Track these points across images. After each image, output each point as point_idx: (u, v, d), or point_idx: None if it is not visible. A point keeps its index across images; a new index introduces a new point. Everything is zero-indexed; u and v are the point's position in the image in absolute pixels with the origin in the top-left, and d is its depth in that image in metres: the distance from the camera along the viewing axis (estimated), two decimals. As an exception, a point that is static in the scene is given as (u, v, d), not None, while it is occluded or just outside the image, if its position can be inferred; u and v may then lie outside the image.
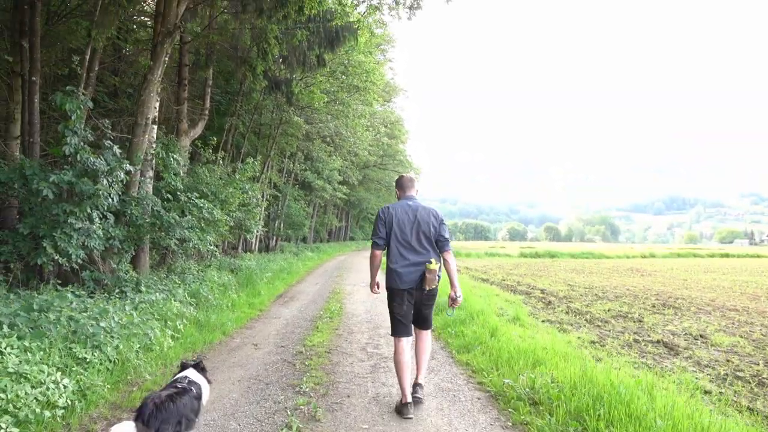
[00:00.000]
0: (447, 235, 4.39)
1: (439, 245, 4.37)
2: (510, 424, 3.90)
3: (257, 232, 18.31)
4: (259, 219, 17.91)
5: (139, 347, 5.25)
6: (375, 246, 4.40)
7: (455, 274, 4.46)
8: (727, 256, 41.98)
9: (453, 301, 4.42)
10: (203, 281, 9.95)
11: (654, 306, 10.99)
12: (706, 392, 4.83)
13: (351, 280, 15.55)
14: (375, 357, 6.01)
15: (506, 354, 5.41)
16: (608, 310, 10.18)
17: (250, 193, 15.13)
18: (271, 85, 17.19)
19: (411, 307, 4.36)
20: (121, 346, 4.92)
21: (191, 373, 3.47)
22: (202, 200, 10.06)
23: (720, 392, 4.86)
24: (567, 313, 9.74)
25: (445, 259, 4.40)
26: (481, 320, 7.31)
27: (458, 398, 4.52)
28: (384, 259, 4.53)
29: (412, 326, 4.44)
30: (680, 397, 4.02)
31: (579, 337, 7.24)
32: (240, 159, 17.99)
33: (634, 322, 8.92)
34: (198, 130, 14.54)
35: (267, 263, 16.85)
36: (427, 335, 4.54)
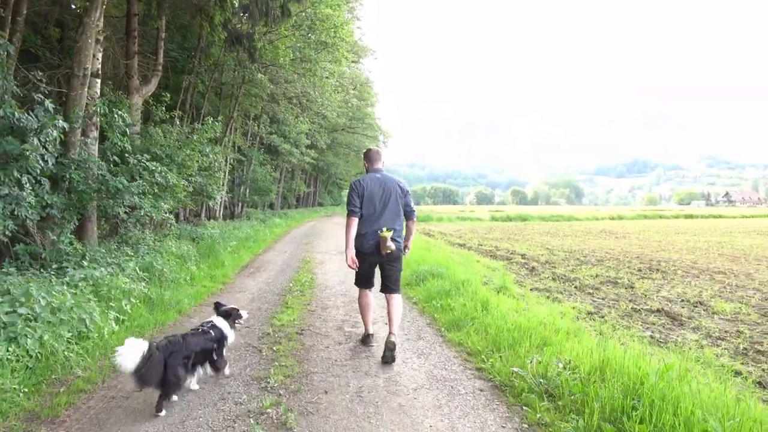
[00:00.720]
0: (413, 206, 4.90)
1: (406, 214, 4.88)
2: (526, 426, 3.23)
3: (221, 198, 17.23)
4: (222, 184, 16.82)
5: (71, 336, 4.37)
6: (351, 214, 4.71)
7: (411, 240, 5.03)
8: (691, 217, 42.81)
9: (406, 246, 5.00)
10: (159, 253, 9.00)
11: (640, 270, 10.61)
12: (736, 374, 4.29)
13: (322, 248, 14.76)
14: (354, 338, 5.29)
15: (505, 332, 4.76)
16: (595, 276, 9.73)
17: (211, 156, 14.03)
18: (231, 39, 15.87)
19: (372, 267, 4.90)
20: (47, 336, 4.04)
21: (216, 320, 4.08)
22: (155, 163, 9.00)
23: (749, 372, 4.33)
24: (554, 279, 9.24)
25: (407, 227, 4.94)
26: (468, 292, 6.66)
27: (457, 390, 3.83)
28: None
29: (373, 281, 4.97)
30: (722, 386, 3.39)
31: (574, 307, 6.70)
32: (200, 120, 16.68)
33: (626, 288, 8.47)
34: (151, 87, 13.32)
35: (232, 231, 15.88)
36: (396, 298, 4.85)
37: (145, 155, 8.92)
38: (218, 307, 4.24)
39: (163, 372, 3.30)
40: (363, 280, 4.95)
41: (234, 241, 13.74)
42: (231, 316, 4.19)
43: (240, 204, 26.44)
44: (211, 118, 13.95)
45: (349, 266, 4.73)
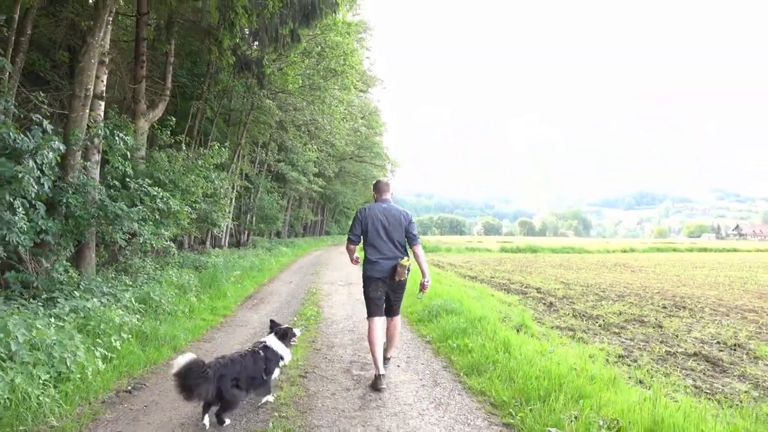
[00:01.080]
0: (415, 232, 5.18)
1: (409, 241, 5.16)
2: None
3: (226, 225, 16.87)
4: (228, 212, 16.46)
5: (49, 377, 3.90)
6: (350, 241, 5.21)
7: (425, 264, 5.30)
8: (705, 250, 42.04)
9: (422, 286, 5.22)
10: (158, 282, 8.58)
11: (665, 307, 10.04)
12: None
13: (328, 278, 14.29)
14: (362, 383, 4.79)
15: (533, 380, 4.24)
16: (619, 313, 9.17)
17: (216, 182, 13.73)
18: (240, 64, 15.79)
19: (384, 293, 5.09)
20: (19, 380, 3.58)
21: (270, 340, 4.22)
22: (157, 188, 8.66)
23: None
24: (574, 316, 8.70)
25: (415, 252, 5.21)
26: (486, 330, 6.16)
27: (485, 454, 3.31)
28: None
29: (383, 309, 5.12)
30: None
31: (602, 349, 6.17)
32: (207, 146, 16.47)
33: (653, 327, 7.91)
34: (158, 112, 13.15)
35: (236, 260, 15.46)
36: (396, 320, 5.30)
37: (147, 180, 8.57)
38: (273, 326, 4.49)
39: (218, 390, 3.55)
40: (374, 307, 5.08)
41: (238, 270, 13.31)
42: (287, 336, 4.39)
43: (246, 232, 26.12)
44: (218, 144, 13.72)
45: (352, 261, 5.31)
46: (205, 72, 17.10)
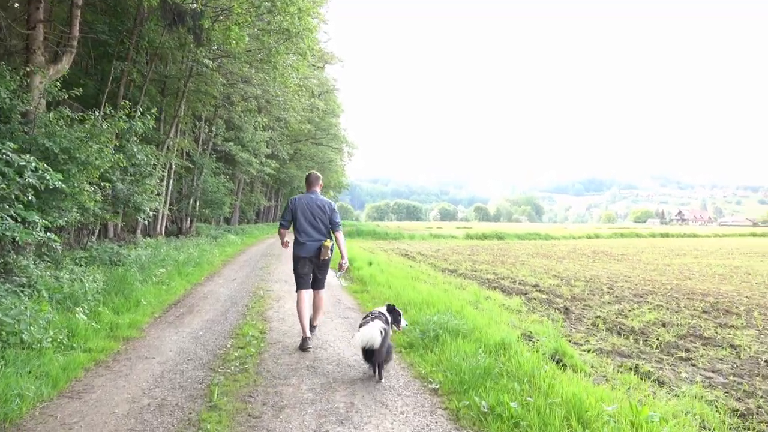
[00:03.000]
0: (337, 220, 5.92)
1: (332, 227, 5.89)
2: None
3: (154, 211, 14.06)
4: (159, 194, 13.66)
5: None
6: (281, 226, 5.94)
7: (344, 247, 6.01)
8: (667, 235, 41.60)
9: (340, 266, 5.96)
10: (34, 290, 5.99)
11: (706, 312, 8.12)
12: None
13: (280, 274, 11.86)
14: None
15: None
16: (662, 325, 7.10)
17: (139, 156, 11.03)
18: (172, 15, 13.00)
19: (310, 269, 5.88)
20: None
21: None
22: (27, 156, 6.00)
23: None
24: (609, 330, 6.63)
25: (336, 237, 5.92)
26: (521, 367, 3.97)
27: None
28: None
29: (310, 284, 5.95)
30: None
31: (697, 396, 4.06)
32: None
33: (726, 348, 5.88)
34: (61, 67, 10.39)
35: (169, 252, 12.78)
36: (321, 293, 6.12)
37: (8, 144, 5.88)
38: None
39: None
40: (302, 282, 5.85)
41: (167, 266, 10.70)
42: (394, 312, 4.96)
43: (189, 218, 23.15)
44: (140, 109, 10.99)
45: (284, 247, 6.00)
46: (132, 28, 14.16)
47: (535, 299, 8.65)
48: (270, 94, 20.08)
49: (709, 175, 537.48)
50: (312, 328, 5.92)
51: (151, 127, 12.06)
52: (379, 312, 4.69)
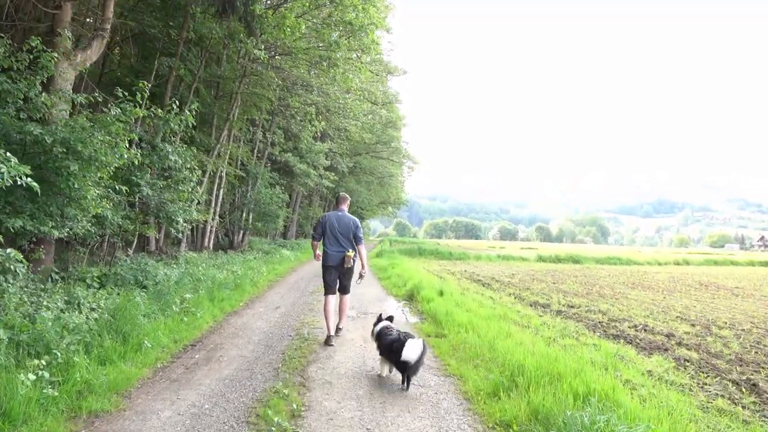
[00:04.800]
0: (360, 235, 6.72)
1: (355, 241, 6.67)
2: None
3: (193, 222, 12.41)
4: (197, 203, 11.99)
5: None
6: (313, 239, 6.74)
7: (365, 258, 6.83)
8: (766, 264, 36.64)
9: (360, 275, 6.77)
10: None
11: None
12: None
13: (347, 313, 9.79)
14: None
15: None
16: None
17: (172, 157, 9.34)
18: (222, 1, 11.44)
19: (336, 276, 6.66)
20: None
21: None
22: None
23: None
24: None
25: (359, 249, 6.67)
26: None
27: None
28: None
29: (337, 290, 6.71)
30: None
31: None
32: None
33: None
34: (91, 53, 9.02)
35: (208, 270, 11.05)
36: (345, 298, 6.83)
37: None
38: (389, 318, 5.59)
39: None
40: (329, 287, 6.65)
41: (200, 288, 8.91)
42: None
43: (241, 232, 21.71)
44: (175, 101, 9.35)
45: (316, 259, 6.78)
46: (182, 22, 12.80)
47: (687, 361, 6.08)
48: (330, 99, 18.33)
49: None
50: (337, 329, 6.74)
51: (191, 125, 10.43)
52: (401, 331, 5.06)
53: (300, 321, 7.82)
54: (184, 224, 10.03)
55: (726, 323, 9.17)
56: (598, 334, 7.53)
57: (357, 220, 6.77)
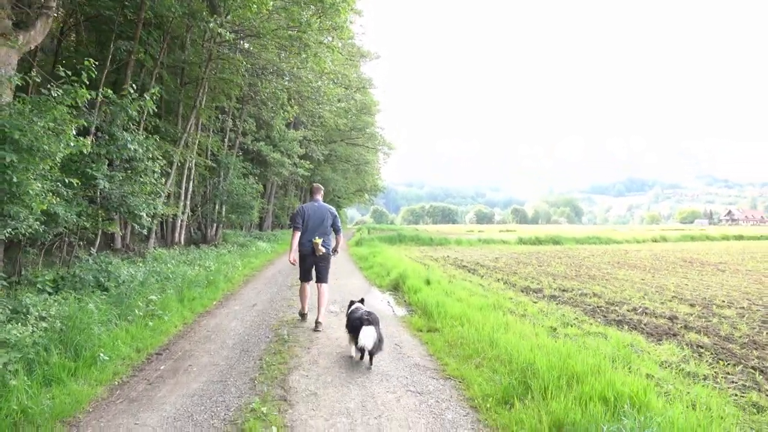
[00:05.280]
0: (338, 225, 7.00)
1: (334, 230, 6.96)
2: None
3: (160, 217, 11.61)
4: (159, 195, 11.19)
5: None
6: (295, 229, 6.76)
7: (342, 243, 7.41)
8: (741, 238, 37.09)
9: (334, 250, 7.03)
10: None
11: None
12: None
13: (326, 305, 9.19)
14: None
15: None
16: None
17: (131, 147, 8.57)
18: (180, -24, 10.60)
19: (311, 265, 6.85)
20: None
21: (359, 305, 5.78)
22: None
23: None
24: None
25: (336, 237, 7.04)
26: None
27: None
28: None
29: (313, 277, 6.90)
30: None
31: None
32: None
33: None
34: (36, 34, 8.24)
35: (179, 266, 10.33)
36: (323, 287, 6.85)
37: None
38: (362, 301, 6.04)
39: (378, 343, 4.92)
40: (304, 275, 6.94)
41: (168, 287, 8.19)
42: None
43: (215, 225, 20.81)
44: (132, 84, 8.55)
45: (290, 263, 6.79)
46: (139, 2, 11.87)
47: (701, 347, 5.64)
48: (302, 83, 17.52)
49: (759, 172, 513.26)
50: (317, 323, 6.62)
51: (152, 112, 9.64)
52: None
53: (278, 319, 7.21)
54: (149, 219, 9.25)
55: (724, 302, 8.85)
56: (599, 320, 7.09)
57: (333, 209, 6.95)
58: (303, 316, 7.07)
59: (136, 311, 6.33)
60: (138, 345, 5.48)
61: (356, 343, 4.90)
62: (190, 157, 15.91)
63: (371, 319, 4.98)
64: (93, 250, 10.48)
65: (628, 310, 7.84)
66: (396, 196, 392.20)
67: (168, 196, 15.48)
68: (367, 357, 4.92)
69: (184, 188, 16.22)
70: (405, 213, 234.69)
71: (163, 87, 14.58)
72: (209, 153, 19.43)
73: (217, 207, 20.16)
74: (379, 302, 8.69)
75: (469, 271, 13.34)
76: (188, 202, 16.73)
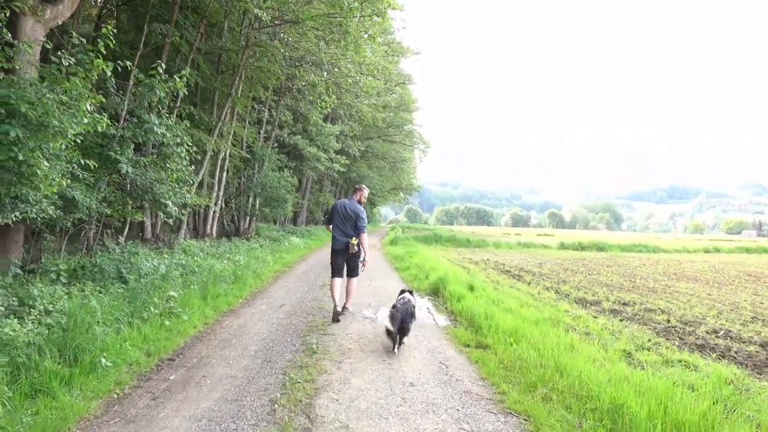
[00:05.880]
0: (361, 225, 6.96)
1: (357, 229, 6.96)
2: None
3: (188, 207, 11.06)
4: (190, 184, 10.65)
5: None
6: (325, 223, 7.38)
7: (366, 247, 7.03)
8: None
9: (363, 261, 7.08)
10: None
11: None
12: None
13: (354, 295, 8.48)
14: None
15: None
16: None
17: (158, 130, 8.02)
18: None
19: (343, 261, 7.04)
20: None
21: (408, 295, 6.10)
22: None
23: None
24: None
25: (360, 237, 6.94)
26: None
27: None
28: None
29: (344, 273, 7.12)
30: None
31: None
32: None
33: None
34: (63, 9, 7.73)
35: (206, 259, 9.79)
36: (352, 281, 7.18)
37: None
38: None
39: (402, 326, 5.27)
40: (335, 270, 7.04)
41: (192, 282, 7.61)
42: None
43: (248, 218, 20.37)
44: (161, 63, 8.01)
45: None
46: (178, -16, 11.41)
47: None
48: (341, 73, 16.82)
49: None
50: (344, 309, 7.08)
51: (182, 94, 9.10)
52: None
53: (308, 324, 6.51)
54: (176, 208, 8.69)
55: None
56: (675, 342, 6.12)
57: (362, 210, 7.12)
58: (335, 313, 6.85)
59: (152, 308, 5.72)
60: (150, 348, 4.86)
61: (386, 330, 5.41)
62: (225, 147, 15.46)
63: (397, 307, 5.39)
64: (121, 239, 10.04)
65: (707, 332, 6.83)
66: (430, 195, 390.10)
67: (201, 187, 15.07)
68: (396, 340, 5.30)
69: (217, 179, 15.78)
70: (439, 213, 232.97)
71: (199, 74, 14.14)
72: (244, 144, 19.01)
73: (251, 199, 19.74)
74: (418, 309, 7.89)
75: (514, 277, 12.39)
76: (221, 194, 16.30)
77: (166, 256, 9.25)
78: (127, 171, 7.31)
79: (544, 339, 5.19)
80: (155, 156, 8.36)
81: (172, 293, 6.46)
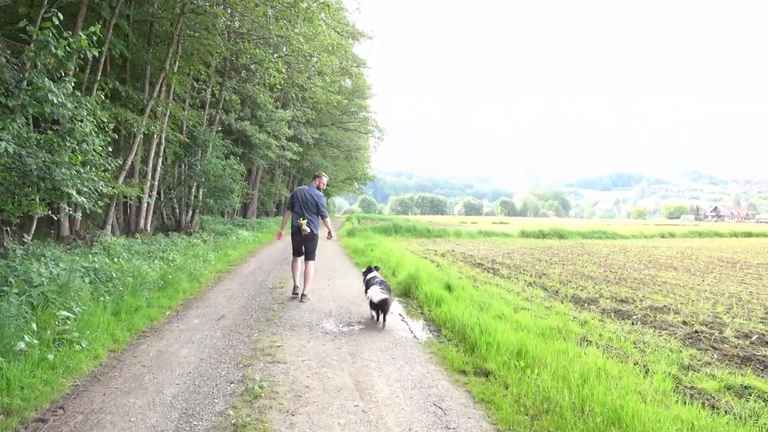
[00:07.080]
0: (323, 209, 7.56)
1: (320, 214, 7.56)
2: None
3: (103, 198, 9.18)
4: (104, 170, 8.77)
5: None
6: (287, 209, 7.74)
7: (329, 227, 7.79)
8: (750, 235, 35.45)
9: (329, 236, 7.85)
10: None
11: None
12: None
13: (305, 307, 7.03)
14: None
15: None
16: None
17: (56, 100, 6.27)
18: None
19: (300, 243, 7.46)
20: None
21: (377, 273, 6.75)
22: None
23: None
24: None
25: (323, 220, 7.66)
26: None
27: None
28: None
29: (303, 254, 7.54)
30: None
31: None
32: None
33: None
34: None
35: (130, 261, 8.07)
36: (309, 264, 7.58)
37: None
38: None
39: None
40: (295, 251, 7.57)
41: (102, 295, 5.95)
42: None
43: (190, 210, 18.35)
44: (57, 13, 6.22)
45: (276, 238, 8.12)
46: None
47: None
48: (292, 46, 15.09)
49: (742, 170, 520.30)
50: (303, 296, 7.44)
51: (90, 56, 7.27)
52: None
53: (252, 344, 5.01)
54: (83, 199, 6.94)
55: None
56: (715, 356, 4.99)
57: (321, 195, 7.65)
58: (296, 288, 7.61)
59: (28, 338, 4.08)
60: (12, 402, 3.27)
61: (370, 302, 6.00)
62: (159, 128, 13.54)
63: (383, 284, 6.07)
64: (27, 238, 8.15)
65: (736, 337, 5.76)
66: (384, 185, 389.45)
67: (132, 175, 13.15)
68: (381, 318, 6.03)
69: (151, 166, 13.85)
70: (393, 203, 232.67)
71: (126, 45, 12.18)
72: (185, 128, 17.04)
73: (193, 190, 17.78)
74: (389, 315, 6.49)
75: (488, 271, 11.20)
76: (156, 183, 14.38)
77: (78, 257, 7.51)
78: (5, 149, 5.53)
79: (564, 361, 3.92)
80: (52, 133, 6.58)
81: (65, 313, 4.80)
